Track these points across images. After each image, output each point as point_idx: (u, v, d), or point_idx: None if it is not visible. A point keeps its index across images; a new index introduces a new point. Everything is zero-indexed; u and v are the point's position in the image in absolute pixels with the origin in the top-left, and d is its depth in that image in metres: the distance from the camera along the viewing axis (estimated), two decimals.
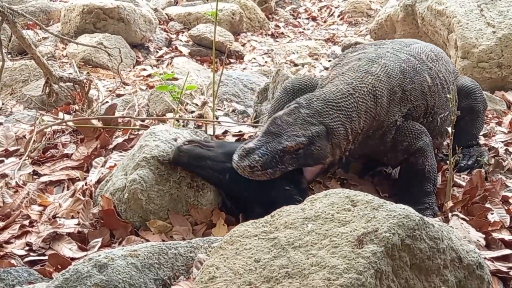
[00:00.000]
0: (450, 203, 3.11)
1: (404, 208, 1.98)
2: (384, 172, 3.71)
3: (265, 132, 2.95)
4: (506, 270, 2.71)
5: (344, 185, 3.50)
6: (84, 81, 4.59)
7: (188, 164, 2.99)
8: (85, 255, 2.61)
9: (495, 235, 3.00)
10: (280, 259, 1.90)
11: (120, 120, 4.30)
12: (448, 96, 3.32)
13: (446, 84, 3.69)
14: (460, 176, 3.70)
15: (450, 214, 3.09)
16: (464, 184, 3.55)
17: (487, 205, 3.26)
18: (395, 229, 1.89)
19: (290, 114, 3.01)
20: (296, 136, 2.89)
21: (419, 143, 3.28)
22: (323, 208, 2.05)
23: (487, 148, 4.11)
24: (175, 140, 3.13)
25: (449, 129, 3.17)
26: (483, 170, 3.72)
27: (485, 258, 2.76)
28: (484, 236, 2.96)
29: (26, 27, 7.50)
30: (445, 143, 3.93)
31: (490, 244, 2.96)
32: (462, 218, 3.11)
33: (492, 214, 3.17)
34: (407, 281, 1.90)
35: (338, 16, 10.44)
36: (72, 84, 4.65)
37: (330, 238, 1.92)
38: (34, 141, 3.97)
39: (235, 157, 2.85)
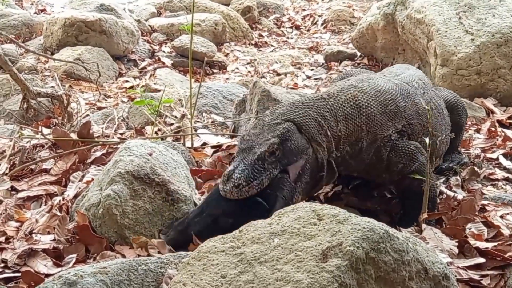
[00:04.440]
0: (424, 215, 3.13)
1: (368, 222, 2.00)
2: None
3: (238, 152, 2.97)
4: (478, 279, 2.73)
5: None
6: (63, 95, 4.60)
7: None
8: (60, 271, 2.61)
9: (472, 242, 3.01)
10: (246, 274, 1.91)
11: (100, 134, 4.31)
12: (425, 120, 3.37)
13: (440, 108, 3.73)
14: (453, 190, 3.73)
15: (423, 225, 3.10)
16: (460, 196, 3.57)
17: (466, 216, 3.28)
18: (359, 242, 1.91)
19: (256, 126, 3.03)
20: (266, 140, 2.89)
21: (414, 165, 3.27)
22: (289, 223, 2.07)
23: (465, 155, 4.16)
24: (150, 154, 3.14)
25: (427, 140, 3.18)
26: (459, 178, 3.77)
27: (458, 266, 2.79)
28: (457, 244, 2.98)
29: (7, 41, 7.49)
30: None
31: (465, 252, 2.98)
32: (436, 227, 3.14)
33: (470, 229, 3.18)
34: None
35: (322, 24, 10.48)
36: (51, 98, 4.66)
37: (296, 253, 1.93)
38: (13, 155, 3.99)
39: (220, 185, 2.83)
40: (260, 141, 2.91)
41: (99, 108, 5.75)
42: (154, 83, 7.16)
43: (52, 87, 6.15)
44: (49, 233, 3.11)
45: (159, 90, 6.28)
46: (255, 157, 2.84)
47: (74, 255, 2.85)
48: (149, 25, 9.41)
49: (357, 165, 3.27)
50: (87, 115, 5.19)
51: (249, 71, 8.19)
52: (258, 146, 2.89)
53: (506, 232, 3.16)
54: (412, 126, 3.39)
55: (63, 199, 3.42)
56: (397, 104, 3.34)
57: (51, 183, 3.72)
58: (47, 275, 2.70)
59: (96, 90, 6.38)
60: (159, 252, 2.84)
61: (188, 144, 4.04)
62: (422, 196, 3.19)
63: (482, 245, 3.00)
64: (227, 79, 7.76)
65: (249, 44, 9.56)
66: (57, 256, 2.90)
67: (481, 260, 2.88)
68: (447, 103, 3.95)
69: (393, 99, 3.34)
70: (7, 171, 3.84)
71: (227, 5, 10.51)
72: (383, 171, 3.34)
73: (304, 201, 3.06)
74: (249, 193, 2.79)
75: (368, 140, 3.23)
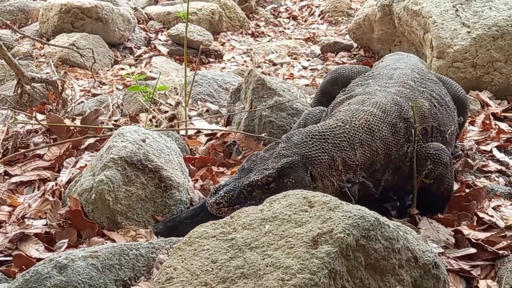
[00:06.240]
0: (415, 210, 3.15)
1: (359, 209, 2.00)
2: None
3: (239, 169, 2.88)
4: (469, 269, 2.75)
5: None
6: (58, 81, 4.58)
7: None
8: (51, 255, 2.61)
9: (466, 232, 3.02)
10: (236, 259, 1.92)
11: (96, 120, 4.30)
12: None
13: (441, 99, 3.64)
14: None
15: (417, 216, 3.11)
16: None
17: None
18: (350, 229, 1.92)
19: (268, 150, 2.93)
20: (265, 169, 2.78)
21: (439, 168, 3.19)
22: (281, 209, 2.07)
23: (459, 148, 4.17)
24: (144, 141, 3.14)
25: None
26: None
27: (449, 257, 2.81)
28: (453, 234, 2.99)
29: (3, 26, 7.46)
30: None
31: (458, 243, 2.99)
32: (432, 218, 3.15)
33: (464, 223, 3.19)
34: (362, 281, 1.92)
35: (319, 15, 10.46)
36: (45, 84, 4.64)
37: (286, 239, 1.94)
38: (6, 140, 3.98)
39: (208, 195, 2.78)
40: (260, 167, 2.81)
41: (94, 95, 5.74)
42: (150, 71, 7.14)
43: (47, 73, 6.14)
44: (41, 217, 3.11)
45: (154, 78, 6.25)
46: (246, 182, 2.75)
47: (66, 240, 2.86)
48: (145, 13, 9.37)
49: (375, 186, 3.16)
50: (82, 101, 5.18)
51: (245, 61, 8.18)
52: (255, 172, 2.79)
53: (499, 223, 3.17)
54: (421, 131, 3.31)
55: (56, 184, 3.42)
56: (404, 119, 3.23)
57: (44, 168, 3.73)
58: (39, 259, 2.70)
59: (91, 77, 6.37)
60: (147, 240, 2.84)
61: (182, 131, 4.04)
62: (437, 197, 3.24)
63: (475, 236, 3.01)
64: (223, 68, 7.75)
65: (245, 33, 9.54)
66: (49, 241, 2.91)
67: (473, 250, 2.90)
68: (457, 100, 3.91)
69: (399, 115, 3.23)
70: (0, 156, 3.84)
71: None
72: (408, 182, 3.27)
73: None
74: (228, 214, 2.56)
75: (381, 161, 3.14)
